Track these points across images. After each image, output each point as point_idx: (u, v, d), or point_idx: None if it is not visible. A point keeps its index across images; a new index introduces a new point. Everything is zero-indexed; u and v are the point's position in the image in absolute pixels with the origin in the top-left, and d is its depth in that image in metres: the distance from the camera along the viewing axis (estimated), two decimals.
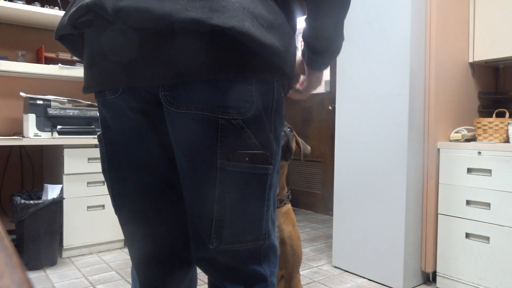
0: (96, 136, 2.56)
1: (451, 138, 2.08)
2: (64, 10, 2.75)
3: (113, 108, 0.76)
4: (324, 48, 0.86)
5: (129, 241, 0.85)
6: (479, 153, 1.89)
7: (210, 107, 0.68)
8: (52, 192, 2.40)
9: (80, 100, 2.73)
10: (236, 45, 0.66)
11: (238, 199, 0.71)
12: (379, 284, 2.13)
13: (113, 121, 0.78)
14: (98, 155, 2.58)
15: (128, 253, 2.68)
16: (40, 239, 2.29)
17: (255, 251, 0.75)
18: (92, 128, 2.62)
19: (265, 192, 0.73)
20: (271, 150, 0.72)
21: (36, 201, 2.27)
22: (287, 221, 1.36)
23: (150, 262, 0.83)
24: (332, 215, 2.50)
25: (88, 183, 2.57)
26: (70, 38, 0.82)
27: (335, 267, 2.38)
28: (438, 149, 2.06)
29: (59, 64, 2.73)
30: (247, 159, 0.69)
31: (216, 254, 0.74)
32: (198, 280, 2.17)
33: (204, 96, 0.68)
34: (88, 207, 2.57)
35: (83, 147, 2.55)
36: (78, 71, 2.81)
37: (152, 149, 0.78)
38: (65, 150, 2.48)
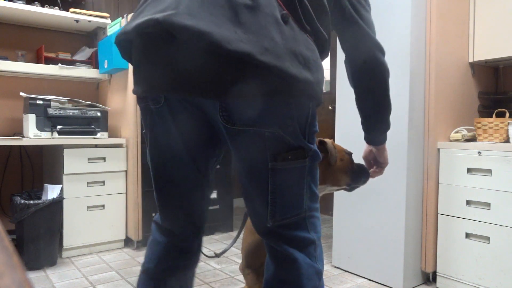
0: (95, 136, 2.61)
1: (451, 138, 2.08)
2: (64, 10, 2.75)
3: (157, 113, 0.94)
4: (384, 128, 1.25)
5: (163, 202, 1.07)
6: (479, 153, 1.89)
7: (259, 123, 0.87)
8: (52, 192, 2.40)
9: (80, 100, 2.73)
10: (277, 78, 0.82)
11: (285, 188, 0.93)
12: (379, 284, 2.13)
13: (155, 123, 0.96)
14: (98, 155, 2.60)
15: (127, 253, 2.67)
16: (40, 239, 2.29)
17: (302, 221, 0.96)
18: (92, 128, 2.62)
19: (303, 180, 0.94)
20: (306, 148, 0.92)
21: (36, 201, 2.27)
22: None
23: (178, 214, 1.07)
24: (332, 215, 2.50)
25: (88, 183, 2.57)
26: (125, 44, 0.96)
27: (335, 267, 2.38)
28: (438, 149, 2.06)
29: (59, 64, 2.73)
30: (289, 157, 0.90)
31: (273, 228, 0.95)
32: (198, 280, 2.17)
33: (254, 116, 0.86)
34: (88, 207, 2.57)
35: (83, 147, 2.55)
36: (78, 71, 2.81)
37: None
38: (65, 150, 2.48)
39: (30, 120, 2.43)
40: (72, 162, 2.50)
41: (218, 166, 1.92)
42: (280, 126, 0.88)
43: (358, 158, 2.25)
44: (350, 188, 1.51)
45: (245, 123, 0.86)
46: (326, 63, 4.11)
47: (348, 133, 2.29)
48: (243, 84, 0.81)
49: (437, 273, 2.07)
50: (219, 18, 0.79)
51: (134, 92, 0.95)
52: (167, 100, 0.90)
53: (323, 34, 0.96)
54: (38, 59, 2.85)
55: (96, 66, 2.93)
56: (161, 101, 0.91)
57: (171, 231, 1.08)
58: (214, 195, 3.07)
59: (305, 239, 0.97)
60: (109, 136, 2.78)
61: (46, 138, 2.46)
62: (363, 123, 1.32)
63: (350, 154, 1.49)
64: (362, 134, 2.20)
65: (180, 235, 1.08)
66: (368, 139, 1.34)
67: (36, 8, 2.58)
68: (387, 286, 2.10)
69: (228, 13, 0.79)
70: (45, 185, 2.47)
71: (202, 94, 0.83)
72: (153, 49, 0.86)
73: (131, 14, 2.63)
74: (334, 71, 2.97)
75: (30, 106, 2.45)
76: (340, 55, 2.33)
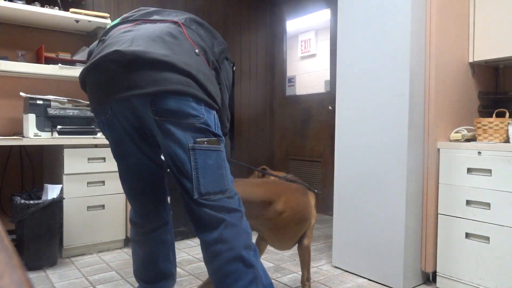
0: (95, 136, 2.64)
1: (451, 138, 2.08)
2: (64, 10, 2.75)
3: (108, 122, 1.40)
4: None
5: (129, 193, 1.53)
6: (479, 153, 1.89)
7: (177, 116, 1.24)
8: (52, 192, 2.40)
9: (80, 100, 2.73)
10: (192, 83, 1.25)
11: (206, 167, 1.27)
12: (379, 284, 2.13)
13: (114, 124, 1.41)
14: (98, 155, 2.60)
15: (127, 253, 2.67)
16: (40, 239, 2.29)
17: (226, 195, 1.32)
18: (92, 128, 2.62)
19: (219, 161, 1.29)
20: (219, 138, 1.30)
21: (36, 201, 2.27)
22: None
23: (141, 198, 1.53)
24: (332, 215, 2.50)
25: (88, 183, 2.57)
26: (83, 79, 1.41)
27: (335, 267, 2.38)
28: (438, 149, 2.06)
29: (59, 64, 2.73)
30: (205, 143, 1.26)
31: (200, 200, 1.29)
32: (198, 281, 2.17)
33: (173, 111, 1.24)
34: (88, 207, 2.57)
35: (83, 147, 2.55)
36: (78, 71, 2.80)
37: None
38: (65, 150, 2.48)
39: (30, 120, 2.43)
40: (72, 162, 2.50)
41: None
42: (193, 117, 1.24)
43: (358, 158, 2.26)
44: None
45: (167, 116, 1.23)
46: (326, 63, 4.11)
47: (348, 133, 2.29)
48: (170, 84, 1.20)
49: (437, 273, 2.07)
50: (156, 46, 1.23)
51: (93, 107, 1.36)
52: (112, 110, 1.32)
53: (218, 73, 1.41)
54: (38, 59, 2.84)
55: None
56: (108, 112, 1.32)
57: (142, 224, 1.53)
58: None
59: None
60: None
61: (46, 138, 2.45)
62: None
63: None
64: (362, 134, 2.21)
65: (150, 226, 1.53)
66: None
67: (36, 8, 2.58)
68: (387, 286, 2.10)
69: (161, 44, 1.24)
70: (45, 185, 2.47)
71: (139, 93, 1.22)
72: (104, 72, 1.26)
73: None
74: (334, 71, 2.97)
75: (30, 106, 2.45)
76: (340, 56, 2.33)
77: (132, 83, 1.21)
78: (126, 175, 1.47)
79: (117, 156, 1.46)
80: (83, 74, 1.34)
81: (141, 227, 1.53)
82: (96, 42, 1.43)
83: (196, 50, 1.30)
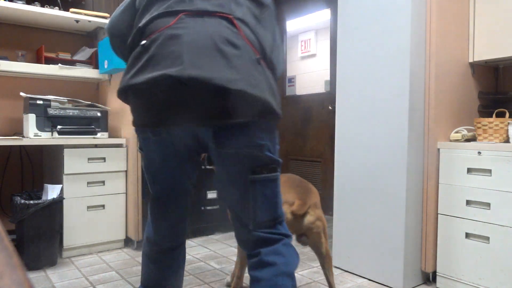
0: (95, 136, 2.61)
1: (451, 138, 2.08)
2: (64, 10, 2.75)
3: (159, 139, 1.23)
4: None
5: (158, 213, 1.39)
6: (479, 153, 1.89)
7: (242, 146, 1.14)
8: (52, 192, 2.40)
9: (80, 100, 2.73)
10: (261, 106, 1.12)
11: (264, 196, 1.20)
12: (379, 284, 2.13)
13: (155, 147, 1.27)
14: (98, 155, 2.60)
15: (127, 253, 2.67)
16: (40, 239, 2.29)
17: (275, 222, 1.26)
18: (92, 128, 2.62)
19: (276, 189, 1.23)
20: (278, 163, 1.24)
21: (36, 201, 2.27)
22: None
23: (168, 219, 1.40)
24: (332, 215, 2.50)
25: (88, 183, 2.57)
26: (128, 92, 1.22)
27: (335, 267, 2.38)
28: (438, 149, 2.06)
29: (59, 64, 2.73)
30: (265, 172, 1.18)
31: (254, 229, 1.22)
32: (198, 280, 2.17)
33: (239, 141, 1.14)
34: (88, 207, 2.57)
35: (83, 147, 2.55)
36: (78, 71, 2.81)
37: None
38: (65, 150, 2.48)
39: (30, 120, 2.43)
40: (72, 162, 2.50)
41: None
42: (256, 147, 1.15)
43: (358, 158, 2.25)
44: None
45: (231, 147, 1.14)
46: (326, 63, 4.11)
47: (348, 133, 2.29)
48: (238, 116, 1.09)
49: (437, 273, 2.07)
50: (216, 65, 1.05)
51: (140, 124, 1.22)
52: (168, 132, 1.19)
53: (276, 68, 1.26)
54: (38, 59, 2.84)
55: (96, 66, 2.93)
56: (161, 134, 1.20)
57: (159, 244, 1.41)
58: (214, 195, 3.08)
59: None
60: (109, 136, 2.78)
61: (46, 138, 2.45)
62: None
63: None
64: (362, 134, 2.21)
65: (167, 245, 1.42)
66: None
67: (36, 8, 2.58)
68: (387, 286, 2.10)
69: (222, 61, 1.06)
70: (45, 185, 2.47)
71: (204, 123, 1.13)
72: (165, 95, 1.10)
73: None
74: (334, 71, 2.97)
75: (30, 106, 2.45)
76: (340, 56, 2.33)
77: (194, 112, 1.09)
78: (161, 194, 1.35)
79: (155, 174, 1.32)
80: (126, 87, 1.16)
81: (158, 246, 1.44)
82: (130, 39, 1.22)
83: (257, 57, 1.14)
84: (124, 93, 1.21)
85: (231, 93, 1.05)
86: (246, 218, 1.20)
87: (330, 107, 3.68)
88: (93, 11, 2.94)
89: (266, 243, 1.19)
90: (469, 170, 1.93)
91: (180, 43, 1.08)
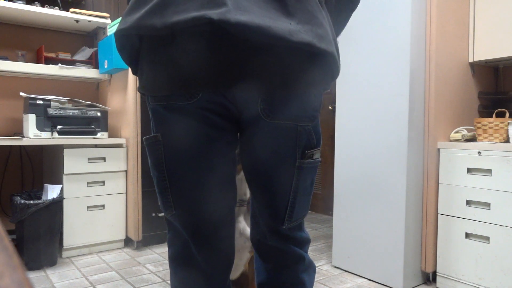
0: (95, 136, 2.57)
1: (451, 138, 2.08)
2: (64, 10, 2.74)
3: (186, 111, 0.83)
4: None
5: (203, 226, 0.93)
6: (479, 153, 1.89)
7: (296, 117, 0.86)
8: (52, 192, 2.40)
9: (80, 100, 2.73)
10: (328, 66, 0.84)
11: (305, 188, 0.93)
12: (379, 284, 2.13)
13: (177, 123, 0.85)
14: (98, 155, 2.60)
15: (127, 253, 2.66)
16: (40, 239, 2.29)
17: (302, 223, 1.00)
18: (92, 128, 2.62)
19: (315, 179, 0.96)
20: (320, 146, 0.95)
21: (36, 201, 2.27)
22: None
23: (205, 224, 0.93)
24: (332, 215, 2.50)
25: (88, 183, 2.57)
26: (132, 39, 0.85)
27: (335, 267, 2.38)
28: (438, 149, 2.06)
29: (59, 64, 2.73)
30: (312, 155, 0.90)
31: (286, 231, 0.96)
32: None
33: (294, 109, 0.85)
34: (88, 207, 2.57)
35: (83, 147, 2.55)
36: (78, 71, 2.81)
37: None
38: (65, 150, 2.48)
39: (30, 120, 2.43)
40: (72, 162, 2.50)
41: None
42: (310, 119, 0.88)
43: (358, 158, 2.25)
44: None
45: (284, 117, 0.85)
46: None
47: (348, 133, 2.29)
48: (297, 72, 0.81)
49: (437, 273, 2.07)
50: (269, 11, 0.76)
51: (161, 89, 0.83)
52: (200, 96, 0.82)
53: (337, 20, 1.02)
54: (38, 59, 2.84)
55: (96, 66, 2.93)
56: (196, 96, 0.81)
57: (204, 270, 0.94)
58: None
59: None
60: (109, 136, 2.78)
61: (46, 138, 2.45)
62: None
63: None
64: (362, 134, 2.21)
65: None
66: None
67: (36, 8, 2.58)
68: (387, 286, 2.10)
69: (276, 5, 0.77)
70: (45, 185, 2.47)
71: (252, 88, 0.80)
72: (198, 46, 0.78)
73: None
74: None
75: (30, 106, 2.45)
76: (340, 56, 2.33)
77: (242, 70, 0.78)
78: (192, 217, 0.90)
79: (180, 173, 0.87)
80: (133, 28, 0.79)
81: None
82: None
83: None
84: (126, 40, 0.85)
85: (293, 47, 0.76)
86: (281, 214, 0.92)
87: (330, 107, 3.67)
88: (93, 11, 2.94)
89: (298, 251, 0.98)
90: (469, 170, 1.93)
91: None
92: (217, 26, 0.73)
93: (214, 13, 0.72)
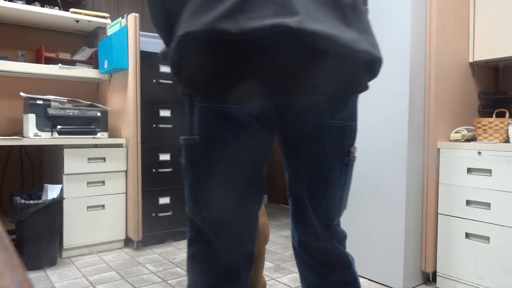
0: (95, 136, 2.55)
1: (451, 138, 2.08)
2: (64, 10, 2.74)
3: (233, 116, 0.85)
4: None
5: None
6: (479, 153, 1.89)
7: (348, 117, 0.93)
8: (52, 192, 2.40)
9: (80, 100, 2.73)
10: (376, 70, 0.93)
11: (350, 183, 1.00)
12: (379, 284, 2.13)
13: (222, 127, 0.87)
14: (98, 155, 2.60)
15: (127, 253, 2.65)
16: (40, 239, 2.29)
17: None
18: (92, 128, 2.62)
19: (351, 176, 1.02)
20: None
21: (36, 201, 2.27)
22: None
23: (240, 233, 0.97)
24: None
25: (88, 183, 2.57)
26: (199, 44, 0.83)
27: None
28: (438, 149, 2.06)
29: (59, 64, 2.73)
30: (354, 152, 0.98)
31: (334, 226, 1.02)
32: None
33: (348, 109, 0.93)
34: (88, 207, 2.57)
35: (83, 147, 2.55)
36: (78, 71, 2.81)
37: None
38: (65, 150, 2.48)
39: (30, 120, 2.43)
40: (72, 162, 2.50)
41: None
42: (355, 118, 0.96)
43: (358, 158, 2.25)
44: None
45: (340, 117, 0.92)
46: None
47: None
48: (356, 77, 0.89)
49: (437, 273, 2.07)
50: (334, 21, 0.82)
51: (218, 91, 0.84)
52: (251, 102, 0.85)
53: None
54: (38, 59, 2.85)
55: (96, 66, 2.93)
56: (248, 102, 0.84)
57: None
58: None
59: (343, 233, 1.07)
60: (109, 136, 2.78)
61: (46, 138, 2.45)
62: None
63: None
64: (362, 134, 2.21)
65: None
66: None
67: (36, 8, 2.58)
68: (387, 286, 2.10)
69: (338, 15, 0.83)
70: (45, 185, 2.47)
71: (317, 92, 0.87)
72: (266, 52, 0.81)
73: (131, 14, 2.63)
74: None
75: (30, 106, 2.45)
76: None
77: (308, 76, 0.83)
78: (222, 223, 0.94)
79: (223, 181, 0.89)
80: (206, 32, 0.79)
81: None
82: None
83: (366, 6, 0.97)
84: (194, 41, 0.82)
85: (354, 55, 0.83)
86: (335, 210, 0.98)
87: None
88: (93, 11, 2.94)
89: (344, 251, 1.02)
90: (469, 170, 1.93)
91: None
92: (290, 34, 0.77)
93: (292, 21, 0.76)
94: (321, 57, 0.82)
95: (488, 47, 2.12)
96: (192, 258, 0.97)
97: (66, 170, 2.48)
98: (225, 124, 0.85)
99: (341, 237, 1.03)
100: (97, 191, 2.60)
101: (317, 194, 0.97)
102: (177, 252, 2.66)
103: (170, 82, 2.85)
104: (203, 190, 0.90)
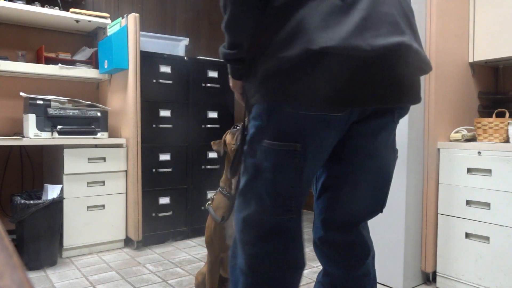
0: (95, 136, 2.55)
1: (451, 138, 2.08)
2: (64, 10, 2.74)
3: (335, 122, 0.95)
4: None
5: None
6: (479, 153, 1.89)
7: (399, 117, 1.07)
8: (52, 192, 2.40)
9: (80, 100, 2.73)
10: (423, 73, 1.06)
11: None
12: (379, 284, 2.13)
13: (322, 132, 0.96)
14: (98, 155, 2.60)
15: (127, 253, 2.65)
16: (40, 239, 2.29)
17: None
18: (92, 128, 2.62)
19: None
20: None
21: (36, 201, 2.27)
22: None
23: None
24: None
25: (88, 183, 2.57)
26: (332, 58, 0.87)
27: None
28: (438, 149, 2.06)
29: (59, 64, 2.73)
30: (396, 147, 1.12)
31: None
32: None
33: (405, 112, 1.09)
34: (88, 207, 2.57)
35: (83, 147, 2.55)
36: (78, 71, 2.81)
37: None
38: (65, 150, 2.48)
39: (30, 120, 2.43)
40: (72, 162, 2.50)
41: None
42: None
43: None
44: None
45: (400, 118, 1.08)
46: None
47: None
48: (418, 82, 1.02)
49: (437, 273, 2.07)
50: (408, 30, 0.93)
51: (341, 103, 0.90)
52: (349, 111, 0.94)
53: None
54: (38, 59, 2.84)
55: (96, 66, 2.93)
56: (345, 111, 0.92)
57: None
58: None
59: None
60: (109, 136, 2.78)
61: (46, 138, 2.45)
62: None
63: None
64: None
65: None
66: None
67: (36, 8, 2.58)
68: (387, 286, 2.10)
69: (412, 28, 0.95)
70: (45, 185, 2.47)
71: (409, 101, 1.01)
72: (384, 67, 0.90)
73: (131, 14, 2.63)
74: None
75: (30, 106, 2.45)
76: None
77: (403, 88, 0.96)
78: (296, 213, 1.04)
79: (307, 178, 1.01)
80: (343, 48, 0.84)
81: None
82: None
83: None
84: (328, 55, 0.85)
85: (421, 61, 0.98)
86: (384, 202, 1.17)
87: None
88: (93, 11, 2.94)
89: (370, 243, 1.27)
90: (469, 170, 1.93)
91: (387, 2, 0.90)
92: (402, 51, 0.89)
93: (406, 40, 0.89)
94: (415, 71, 0.98)
95: (488, 47, 2.12)
96: (263, 257, 1.01)
97: (66, 170, 2.48)
98: (325, 131, 0.94)
99: (368, 228, 1.21)
100: (97, 191, 2.60)
101: (368, 189, 1.10)
102: (177, 252, 2.66)
103: (170, 82, 2.85)
104: (296, 195, 0.98)
